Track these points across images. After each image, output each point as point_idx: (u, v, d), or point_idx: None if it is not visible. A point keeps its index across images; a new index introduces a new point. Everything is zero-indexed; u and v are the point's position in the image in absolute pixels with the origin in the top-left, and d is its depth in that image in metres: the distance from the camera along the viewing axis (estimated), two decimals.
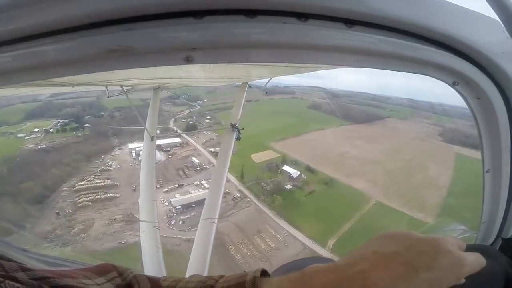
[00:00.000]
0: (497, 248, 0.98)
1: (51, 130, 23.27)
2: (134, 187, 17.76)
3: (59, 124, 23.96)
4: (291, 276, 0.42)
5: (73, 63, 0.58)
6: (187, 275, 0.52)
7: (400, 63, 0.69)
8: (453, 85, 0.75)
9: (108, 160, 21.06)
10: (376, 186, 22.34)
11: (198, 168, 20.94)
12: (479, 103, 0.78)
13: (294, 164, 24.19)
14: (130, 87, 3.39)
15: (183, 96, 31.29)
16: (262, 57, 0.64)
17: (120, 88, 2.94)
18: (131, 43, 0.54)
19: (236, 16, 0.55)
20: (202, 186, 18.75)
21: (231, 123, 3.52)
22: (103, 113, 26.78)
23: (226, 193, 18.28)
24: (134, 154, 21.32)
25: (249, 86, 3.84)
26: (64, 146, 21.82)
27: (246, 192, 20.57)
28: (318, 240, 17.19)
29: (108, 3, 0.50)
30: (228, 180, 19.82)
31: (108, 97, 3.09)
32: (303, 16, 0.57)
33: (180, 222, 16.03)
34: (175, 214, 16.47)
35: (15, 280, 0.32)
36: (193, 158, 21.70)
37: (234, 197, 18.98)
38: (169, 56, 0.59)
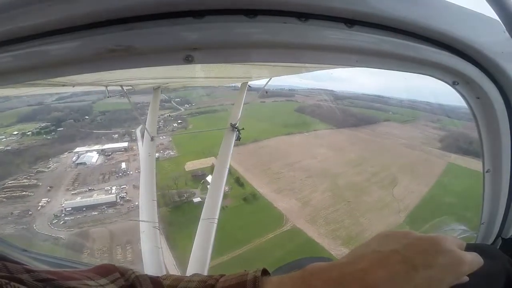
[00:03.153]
0: (497, 248, 0.98)
1: (28, 133, 23.55)
2: (49, 188, 18.64)
3: (39, 128, 24.23)
4: (292, 275, 0.42)
5: (73, 63, 0.58)
6: (187, 275, 0.52)
7: (400, 63, 0.69)
8: (453, 85, 0.75)
9: (51, 162, 21.33)
10: (306, 206, 18.33)
11: (120, 174, 20.55)
12: (479, 103, 0.78)
13: (228, 174, 21.12)
14: (130, 87, 3.39)
15: (175, 100, 30.76)
16: (262, 57, 0.64)
17: (120, 88, 2.94)
18: (131, 43, 0.54)
19: (236, 16, 0.55)
20: (110, 192, 18.49)
21: (231, 123, 3.51)
22: (87, 117, 26.88)
23: (126, 201, 17.86)
24: (74, 158, 21.61)
25: (249, 87, 3.81)
26: (27, 148, 22.23)
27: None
28: (183, 266, 13.63)
29: (108, 3, 0.50)
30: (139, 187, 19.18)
31: (108, 97, 3.09)
32: (303, 16, 0.57)
33: (62, 222, 16.41)
34: (63, 215, 16.83)
35: (20, 281, 0.32)
36: (122, 164, 21.32)
37: (132, 206, 17.85)
38: (169, 56, 0.59)
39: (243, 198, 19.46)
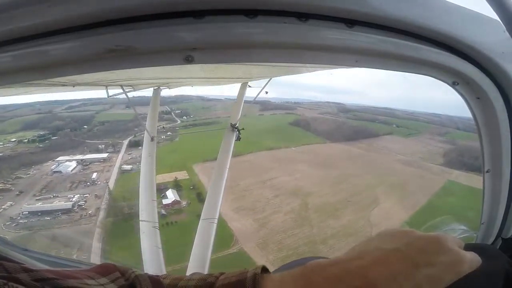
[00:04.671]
0: (497, 248, 0.98)
1: (25, 140, 23.92)
2: (18, 193, 19.20)
3: (36, 136, 24.46)
4: (292, 272, 0.42)
5: (73, 63, 0.58)
6: (187, 274, 0.52)
7: (400, 63, 0.69)
8: (453, 85, 0.75)
9: (32, 170, 21.66)
10: (263, 228, 16.39)
11: (88, 183, 20.77)
12: (479, 103, 0.78)
13: (192, 189, 20.21)
14: (130, 87, 3.39)
15: (175, 112, 30.58)
16: (262, 57, 0.64)
17: (120, 89, 2.94)
18: (131, 43, 0.54)
19: (236, 16, 0.55)
20: (70, 200, 18.83)
21: (231, 123, 3.51)
22: (85, 126, 26.95)
23: (82, 209, 18.09)
24: (53, 166, 21.89)
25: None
26: (17, 155, 22.72)
27: (103, 212, 17.88)
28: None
29: (107, 3, 0.50)
30: (100, 197, 18.92)
31: (108, 97, 3.09)
32: (303, 16, 0.57)
33: (14, 224, 16.93)
34: (18, 218, 17.29)
35: (18, 281, 0.32)
36: (94, 174, 21.57)
37: (85, 214, 18.04)
38: (169, 56, 0.59)
39: (197, 215, 17.44)
